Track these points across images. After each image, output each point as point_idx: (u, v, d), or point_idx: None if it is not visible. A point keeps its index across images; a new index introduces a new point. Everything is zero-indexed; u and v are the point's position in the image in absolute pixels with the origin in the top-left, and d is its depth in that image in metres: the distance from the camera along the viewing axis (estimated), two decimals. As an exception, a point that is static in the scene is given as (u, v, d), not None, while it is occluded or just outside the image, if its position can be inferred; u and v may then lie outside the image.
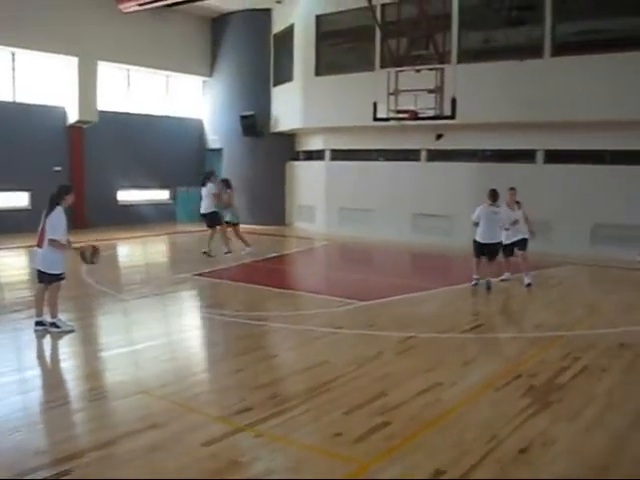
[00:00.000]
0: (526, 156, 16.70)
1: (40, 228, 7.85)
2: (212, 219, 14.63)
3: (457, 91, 13.45)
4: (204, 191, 14.66)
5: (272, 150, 22.19)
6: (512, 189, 11.52)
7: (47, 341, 7.78)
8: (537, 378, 6.34)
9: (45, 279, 7.93)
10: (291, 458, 4.59)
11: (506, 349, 7.53)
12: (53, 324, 7.94)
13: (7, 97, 18.84)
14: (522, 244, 11.47)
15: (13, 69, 18.97)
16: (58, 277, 7.94)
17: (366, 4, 14.26)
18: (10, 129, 18.41)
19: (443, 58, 14.46)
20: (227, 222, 14.73)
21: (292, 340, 8.01)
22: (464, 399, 5.77)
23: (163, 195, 23.00)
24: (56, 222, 7.75)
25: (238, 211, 15.08)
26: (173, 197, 22.98)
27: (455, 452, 4.65)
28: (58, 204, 7.87)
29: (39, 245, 7.87)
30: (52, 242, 7.70)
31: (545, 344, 7.68)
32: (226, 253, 14.33)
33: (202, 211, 14.72)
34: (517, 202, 11.52)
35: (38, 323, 7.95)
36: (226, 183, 14.89)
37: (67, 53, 19.54)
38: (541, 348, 7.51)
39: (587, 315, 9.56)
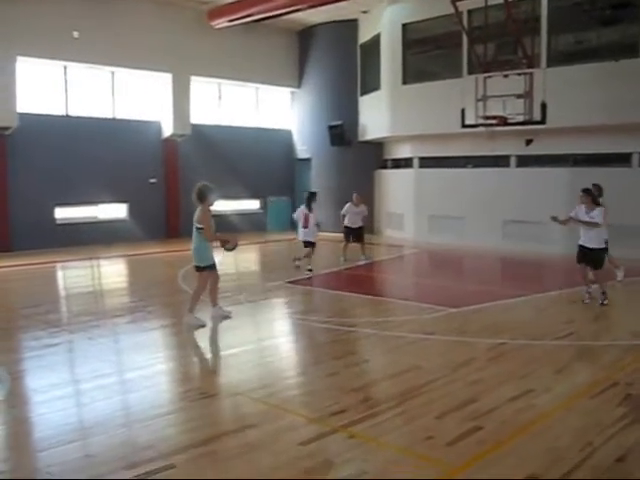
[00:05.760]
0: (621, 159, 16.19)
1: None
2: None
3: (547, 95, 13.24)
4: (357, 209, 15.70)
5: (360, 159, 22.37)
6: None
7: (146, 345, 8.19)
8: (634, 387, 6.19)
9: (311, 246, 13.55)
10: (383, 459, 4.67)
11: (601, 357, 7.35)
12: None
13: (107, 114, 19.79)
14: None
15: (112, 87, 19.92)
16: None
17: (452, 11, 14.21)
18: (110, 144, 19.35)
19: (532, 62, 14.22)
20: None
21: (383, 345, 8.11)
22: (557, 406, 5.72)
23: (254, 205, 23.53)
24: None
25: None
26: (263, 207, 23.47)
27: (548, 458, 4.62)
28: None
29: (305, 226, 13.52)
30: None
31: (643, 352, 7.49)
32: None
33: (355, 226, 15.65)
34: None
35: None
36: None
37: (162, 70, 20.36)
38: (639, 356, 7.33)
39: (688, 323, 9.24)
